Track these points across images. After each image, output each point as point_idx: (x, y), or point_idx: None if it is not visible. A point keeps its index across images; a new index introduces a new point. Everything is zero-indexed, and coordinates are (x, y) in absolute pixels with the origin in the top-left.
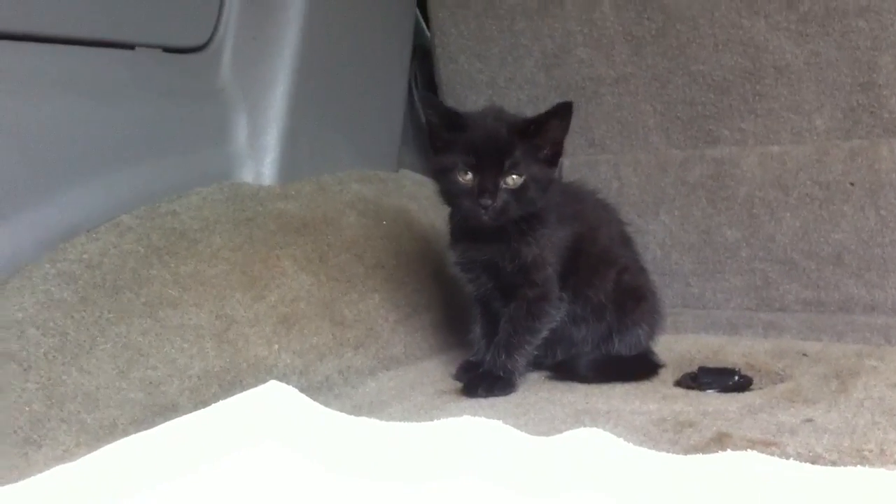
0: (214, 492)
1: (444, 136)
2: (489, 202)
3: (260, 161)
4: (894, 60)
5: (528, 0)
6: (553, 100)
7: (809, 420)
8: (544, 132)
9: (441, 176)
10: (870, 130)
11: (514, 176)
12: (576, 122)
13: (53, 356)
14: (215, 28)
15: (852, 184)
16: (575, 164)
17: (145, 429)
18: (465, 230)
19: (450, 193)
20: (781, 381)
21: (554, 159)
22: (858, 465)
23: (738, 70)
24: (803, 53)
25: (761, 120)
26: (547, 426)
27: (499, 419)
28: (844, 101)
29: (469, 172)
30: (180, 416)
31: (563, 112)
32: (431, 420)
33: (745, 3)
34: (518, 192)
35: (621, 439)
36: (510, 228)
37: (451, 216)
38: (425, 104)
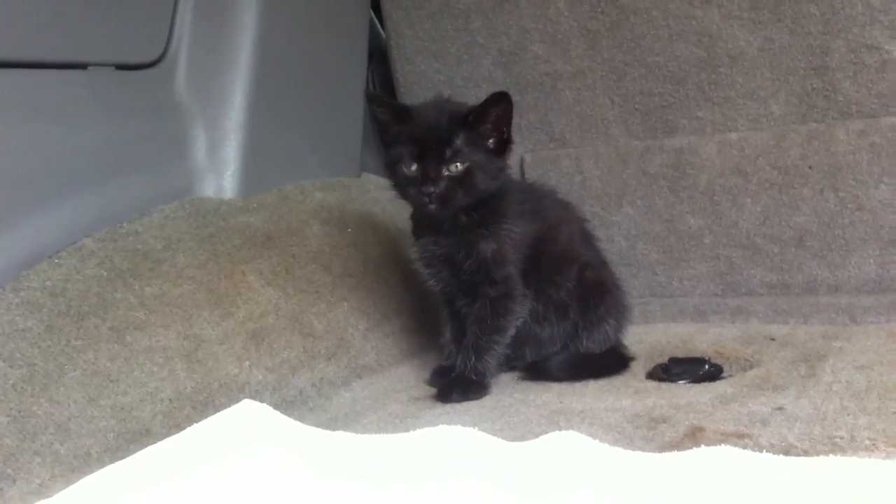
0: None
1: (392, 130)
2: (431, 189)
3: (221, 174)
4: (846, 44)
5: None
6: (512, 97)
7: (780, 408)
8: (485, 121)
9: (390, 168)
10: (825, 114)
11: (457, 164)
12: (535, 118)
13: (22, 387)
14: (168, 42)
15: (810, 167)
16: (536, 160)
17: (120, 457)
18: (423, 224)
19: (398, 185)
20: (751, 367)
21: (501, 148)
22: (830, 454)
23: (693, 60)
24: (756, 41)
25: (718, 108)
26: (522, 429)
27: (474, 424)
28: (799, 86)
29: (414, 163)
30: (154, 441)
31: (499, 100)
32: (408, 430)
33: None
34: (462, 180)
35: (596, 440)
36: (465, 220)
37: (413, 211)
38: (371, 101)
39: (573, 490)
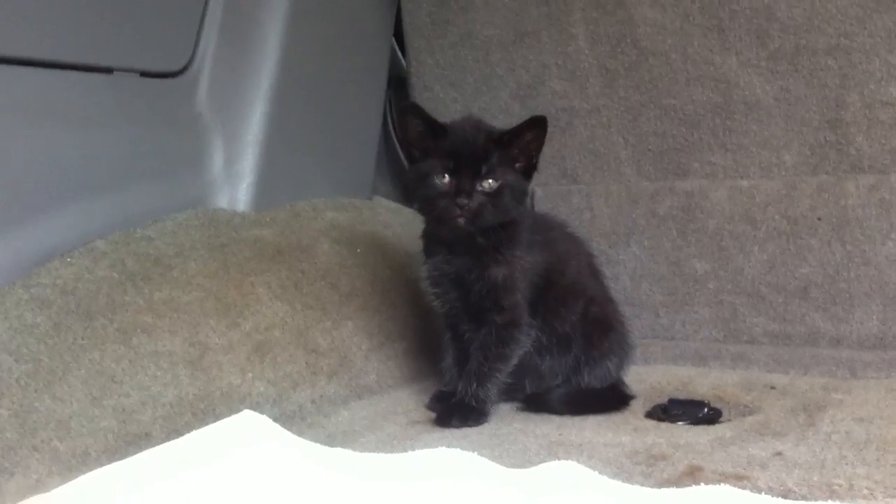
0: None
1: (424, 143)
2: (465, 202)
3: (235, 187)
4: (861, 98)
5: (503, 32)
6: None
7: (779, 454)
8: (518, 143)
9: (419, 182)
10: (837, 166)
11: (491, 180)
12: (549, 153)
13: (26, 382)
14: (193, 53)
15: (819, 218)
16: (548, 194)
17: (118, 458)
18: (438, 242)
19: (427, 197)
20: (750, 413)
21: (528, 172)
22: (829, 501)
23: (708, 105)
24: (773, 90)
25: (731, 154)
26: (521, 458)
27: (472, 450)
28: (812, 138)
29: (447, 175)
30: (153, 445)
31: (536, 125)
32: (405, 451)
33: (717, 39)
34: (493, 197)
35: (595, 472)
36: (481, 242)
37: (425, 231)
38: (409, 111)
39: None
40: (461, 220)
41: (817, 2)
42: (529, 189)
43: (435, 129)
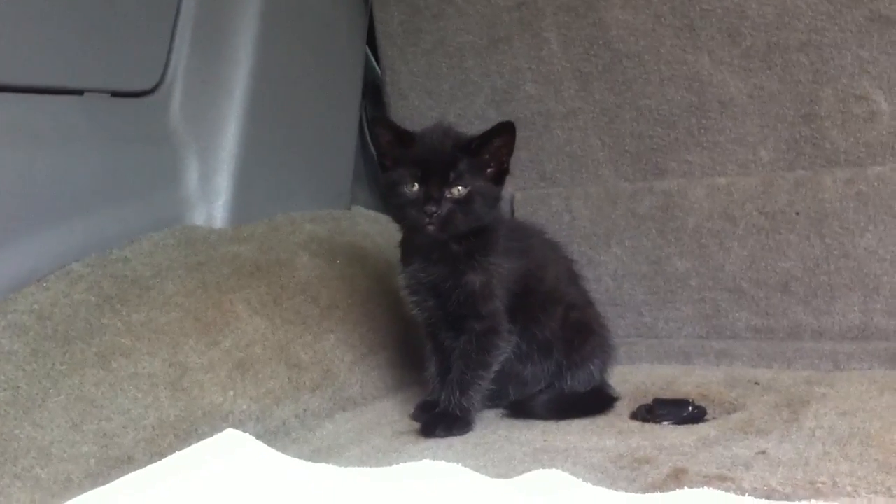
0: None
1: (394, 153)
2: (434, 209)
3: (212, 204)
4: (835, 94)
5: (477, 38)
6: None
7: (763, 452)
8: (488, 149)
9: (390, 190)
10: (813, 161)
11: (459, 187)
12: (526, 156)
13: (5, 410)
14: (164, 71)
15: (797, 213)
16: (527, 198)
17: (101, 483)
18: (414, 250)
19: (398, 206)
20: (735, 410)
21: (499, 178)
22: (812, 499)
23: (683, 104)
24: (747, 87)
25: (707, 152)
26: (506, 466)
27: (457, 460)
28: (788, 133)
29: (416, 184)
30: (136, 468)
31: (504, 130)
32: (391, 464)
33: (689, 39)
34: (463, 204)
35: (580, 479)
36: (456, 249)
37: (402, 240)
38: (376, 123)
39: None
40: (431, 228)
41: None
42: (503, 194)
43: (404, 138)
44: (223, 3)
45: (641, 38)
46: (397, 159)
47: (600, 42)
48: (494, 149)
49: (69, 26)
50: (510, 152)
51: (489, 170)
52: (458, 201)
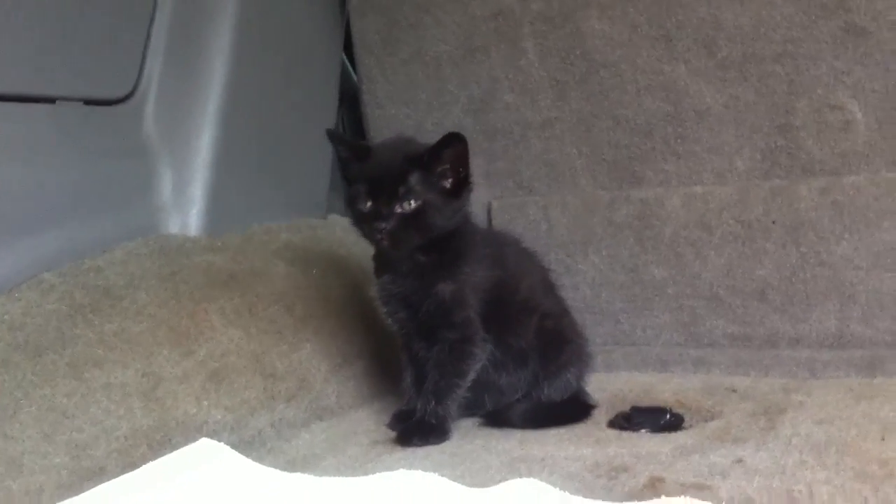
0: None
1: (352, 168)
2: (383, 226)
3: (186, 213)
4: (810, 104)
5: (454, 48)
6: (481, 144)
7: (740, 460)
8: (440, 161)
9: (349, 206)
10: (789, 171)
11: (410, 201)
12: (504, 165)
13: None
14: (138, 79)
15: (773, 222)
16: (504, 206)
17: (73, 494)
18: (384, 263)
19: (355, 221)
20: (712, 418)
21: (458, 189)
22: None
23: (659, 114)
24: (722, 97)
25: (684, 161)
26: (483, 476)
27: (434, 470)
28: (763, 143)
29: (368, 200)
30: (108, 479)
31: (452, 141)
32: (367, 474)
33: (665, 49)
34: (414, 218)
35: (557, 488)
36: (423, 260)
37: (374, 251)
38: (332, 139)
39: None
40: (384, 244)
41: (763, 10)
42: (465, 205)
43: (359, 152)
44: (198, 11)
45: (618, 47)
46: (354, 174)
47: (577, 52)
48: (448, 160)
49: (41, 33)
50: (466, 163)
51: (447, 181)
52: (409, 216)
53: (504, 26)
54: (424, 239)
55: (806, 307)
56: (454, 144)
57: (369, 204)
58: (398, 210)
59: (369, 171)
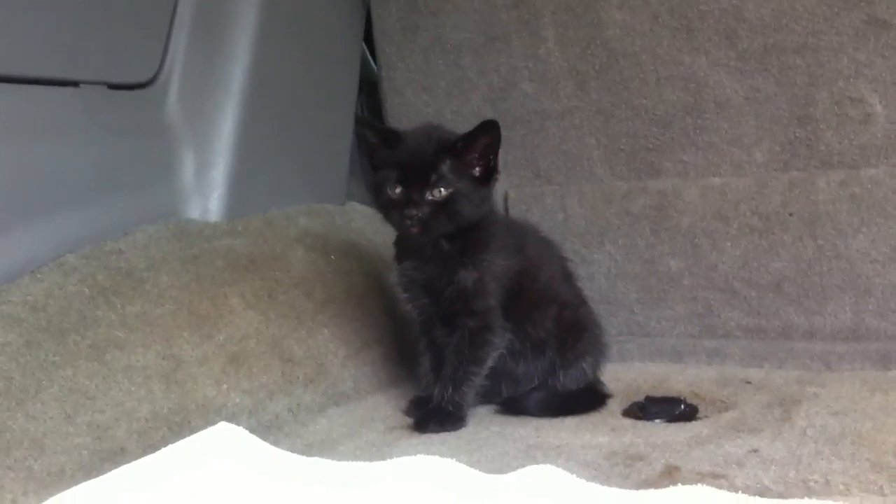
0: None
1: (380, 153)
2: (414, 213)
3: (207, 197)
4: (831, 96)
5: (474, 36)
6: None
7: (755, 451)
8: (473, 149)
9: (376, 191)
10: (807, 163)
11: (441, 189)
12: (521, 154)
13: None
14: (161, 63)
15: (791, 214)
16: (521, 195)
17: (94, 475)
18: (406, 249)
19: (383, 207)
20: (726, 409)
21: (487, 177)
22: (805, 497)
23: (679, 104)
24: (743, 89)
25: (702, 153)
26: (500, 462)
27: (451, 456)
28: (783, 135)
29: (399, 186)
30: (129, 460)
31: (488, 129)
32: (384, 459)
33: (687, 40)
34: (445, 206)
35: (574, 475)
36: (447, 248)
37: (397, 237)
38: (360, 124)
39: None
40: (414, 231)
41: (785, 1)
42: (491, 193)
43: (389, 138)
44: None
45: (638, 38)
46: (383, 160)
47: (597, 41)
48: (479, 148)
49: (66, 17)
50: (496, 151)
51: (476, 169)
52: (440, 203)
53: (525, 15)
54: (454, 227)
55: (821, 300)
56: (489, 132)
57: (399, 190)
58: (429, 197)
59: (400, 158)
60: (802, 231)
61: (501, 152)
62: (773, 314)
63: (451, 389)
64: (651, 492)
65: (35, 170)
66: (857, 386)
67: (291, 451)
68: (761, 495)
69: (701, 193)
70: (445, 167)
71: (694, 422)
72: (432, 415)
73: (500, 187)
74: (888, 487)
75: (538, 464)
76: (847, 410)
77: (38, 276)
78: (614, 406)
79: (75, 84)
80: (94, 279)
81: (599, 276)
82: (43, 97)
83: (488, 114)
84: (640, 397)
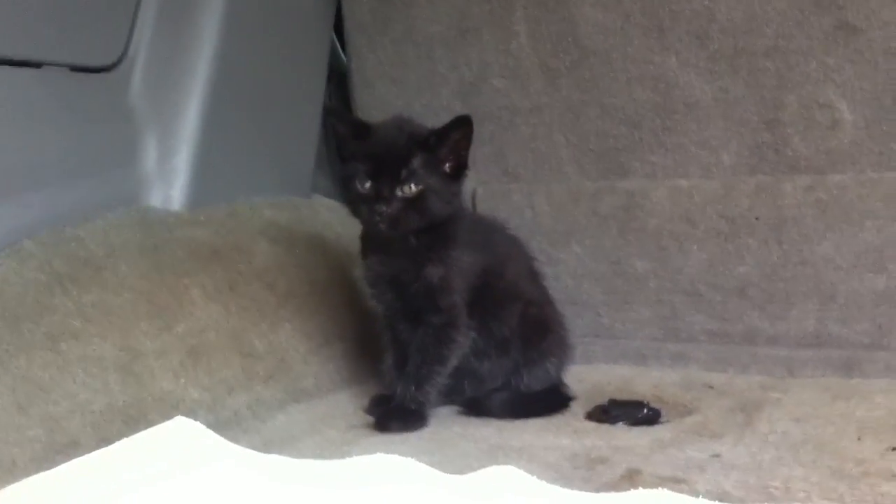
0: None
1: (350, 145)
2: (383, 209)
3: (170, 185)
4: (799, 100)
5: (446, 29)
6: None
7: (717, 455)
8: (444, 144)
9: (345, 184)
10: (774, 167)
11: (412, 185)
12: (490, 151)
13: None
14: (126, 47)
15: (757, 219)
16: (489, 192)
17: (46, 467)
18: (372, 243)
19: (351, 201)
20: (689, 413)
21: (457, 174)
22: (766, 503)
23: (649, 104)
24: (712, 90)
25: (671, 154)
26: (461, 463)
27: (412, 455)
28: (750, 138)
29: (368, 181)
30: (82, 453)
31: (462, 124)
32: (343, 457)
33: (657, 39)
34: (415, 202)
35: (534, 477)
36: (414, 243)
37: (362, 231)
38: (331, 114)
39: None
40: (382, 227)
41: (756, 4)
42: (461, 190)
43: (359, 130)
44: None
45: (610, 36)
46: (352, 152)
47: (569, 38)
48: (452, 144)
49: None
50: (468, 147)
51: (447, 165)
52: (410, 199)
53: (497, 9)
54: (424, 223)
55: (785, 305)
56: (462, 128)
57: (368, 184)
58: (399, 194)
59: (370, 151)
60: (768, 235)
61: (471, 148)
62: (737, 319)
63: (413, 388)
64: (612, 495)
65: None
66: (820, 392)
67: (249, 448)
68: (722, 500)
69: (668, 195)
70: (416, 162)
71: (657, 426)
72: (394, 413)
73: (469, 184)
74: (848, 495)
75: (500, 465)
76: (809, 416)
77: None
78: (578, 408)
79: (37, 65)
80: (51, 266)
81: (566, 276)
82: (4, 77)
83: (458, 108)
84: (604, 400)
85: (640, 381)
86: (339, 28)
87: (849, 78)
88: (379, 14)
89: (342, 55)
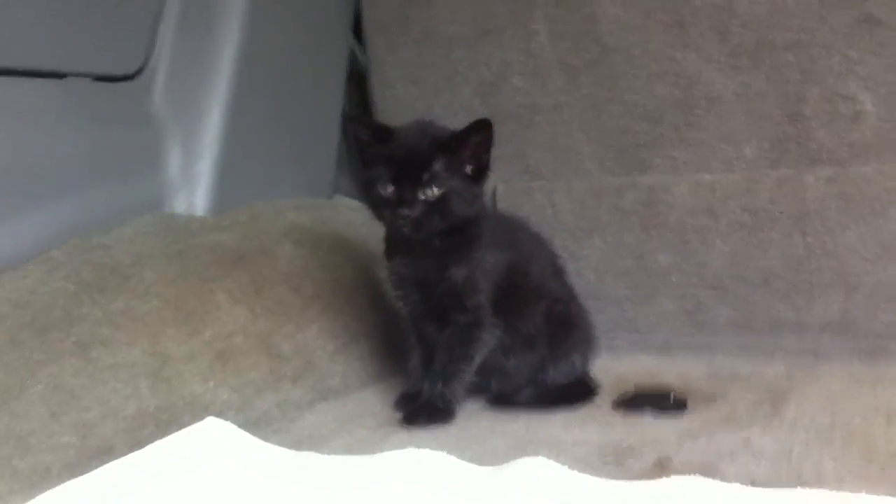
0: None
1: (372, 150)
2: (406, 213)
3: (193, 190)
4: (821, 93)
5: (466, 29)
6: None
7: (746, 444)
8: (466, 147)
9: (367, 188)
10: (797, 160)
11: (434, 188)
12: (511, 149)
13: None
14: (148, 55)
15: (780, 211)
16: (509, 190)
17: (80, 473)
18: (396, 245)
19: (374, 205)
20: (716, 402)
21: (479, 175)
22: (798, 488)
23: (670, 100)
24: (733, 85)
25: (692, 149)
26: (491, 457)
27: (442, 450)
28: (773, 132)
29: (391, 184)
30: (116, 458)
31: (481, 127)
32: (374, 454)
33: (678, 36)
34: (438, 205)
35: (566, 467)
36: (438, 245)
37: (386, 232)
38: (352, 120)
39: None
40: (406, 230)
41: None
42: (482, 191)
43: (380, 134)
44: None
45: (631, 33)
46: (374, 157)
47: (589, 36)
48: (472, 146)
49: (52, 8)
50: (488, 149)
51: (468, 167)
52: (433, 202)
53: (517, 8)
54: (446, 225)
55: (810, 297)
56: (482, 130)
57: (391, 188)
58: (422, 197)
59: (392, 155)
60: (791, 228)
61: (492, 150)
62: (762, 310)
63: (440, 385)
64: (645, 482)
65: (19, 163)
66: (846, 380)
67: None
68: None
69: (690, 190)
70: (438, 165)
71: (683, 416)
72: (422, 410)
73: (490, 182)
74: (879, 478)
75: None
76: (836, 404)
77: (22, 272)
78: (604, 399)
79: (61, 76)
80: (79, 275)
81: (588, 272)
82: (27, 89)
83: (478, 108)
84: (630, 390)
85: (665, 372)
86: (358, 29)
87: (872, 70)
88: (399, 15)
89: (360, 56)
